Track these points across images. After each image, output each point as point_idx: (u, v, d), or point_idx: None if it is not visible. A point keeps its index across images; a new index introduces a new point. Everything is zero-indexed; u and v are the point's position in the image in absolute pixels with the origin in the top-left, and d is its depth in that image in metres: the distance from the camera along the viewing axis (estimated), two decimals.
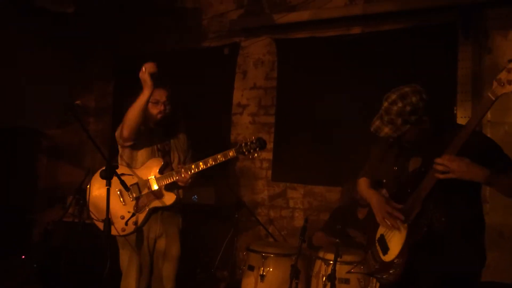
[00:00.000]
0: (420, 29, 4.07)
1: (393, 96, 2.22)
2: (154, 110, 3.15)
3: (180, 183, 3.06)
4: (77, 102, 2.81)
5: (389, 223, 2.31)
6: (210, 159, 2.99)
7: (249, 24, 4.90)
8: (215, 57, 5.12)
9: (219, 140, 5.01)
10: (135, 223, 3.04)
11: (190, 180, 3.05)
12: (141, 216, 3.06)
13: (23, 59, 4.97)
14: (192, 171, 3.01)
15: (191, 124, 4.79)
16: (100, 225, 3.07)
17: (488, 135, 3.72)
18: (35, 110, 5.13)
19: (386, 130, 2.23)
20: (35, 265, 4.32)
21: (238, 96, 5.02)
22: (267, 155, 4.80)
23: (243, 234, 4.78)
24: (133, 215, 3.04)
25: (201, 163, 3.00)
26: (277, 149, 4.74)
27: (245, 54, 5.02)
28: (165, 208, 3.11)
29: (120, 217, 3.02)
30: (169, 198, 3.08)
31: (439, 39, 3.98)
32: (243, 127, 4.98)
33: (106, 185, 2.66)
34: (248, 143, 2.97)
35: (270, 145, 4.78)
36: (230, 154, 2.98)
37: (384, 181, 2.50)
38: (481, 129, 3.78)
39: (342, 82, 4.36)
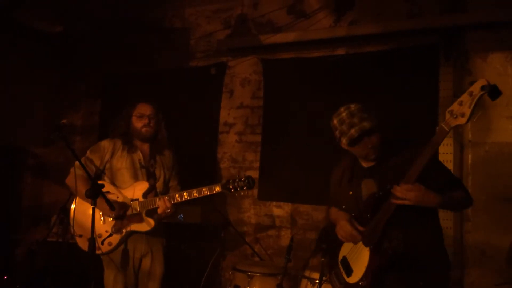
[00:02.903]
0: (403, 51, 4.16)
1: (341, 109, 2.42)
2: (139, 124, 3.18)
3: (159, 211, 3.02)
4: (63, 121, 2.82)
5: (349, 238, 2.43)
6: (195, 191, 2.95)
7: (236, 44, 4.97)
8: (202, 76, 5.16)
9: (205, 159, 5.02)
10: (110, 243, 3.02)
11: (170, 210, 3.00)
12: (117, 238, 3.03)
13: (10, 77, 4.96)
14: (175, 201, 2.98)
15: (178, 143, 4.82)
16: (78, 240, 3.08)
17: (469, 155, 3.84)
18: (20, 128, 5.10)
19: (366, 124, 2.33)
20: (18, 286, 4.25)
21: (225, 115, 5.06)
22: (254, 173, 4.81)
23: (229, 254, 4.76)
24: (110, 235, 3.02)
25: (185, 194, 2.97)
26: (264, 168, 4.76)
27: (232, 74, 5.07)
28: (142, 233, 3.09)
29: (98, 235, 2.99)
30: (147, 225, 3.05)
31: (421, 61, 4.07)
32: (230, 146, 5.00)
33: (92, 205, 2.66)
34: (236, 180, 2.90)
35: (256, 164, 4.82)
36: (216, 189, 2.92)
37: (344, 207, 2.58)
38: (462, 149, 3.87)
39: (327, 102, 4.36)
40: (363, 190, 2.45)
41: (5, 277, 4.30)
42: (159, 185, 3.21)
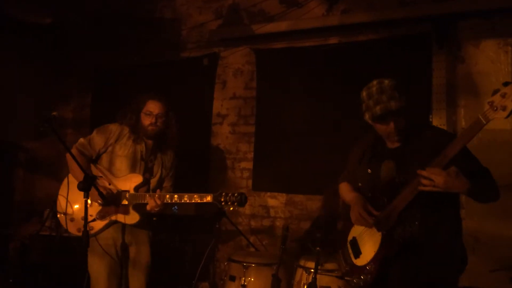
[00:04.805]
0: (396, 39, 4.15)
1: (374, 81, 2.32)
2: (146, 121, 3.13)
3: (148, 207, 2.99)
4: (54, 113, 2.78)
5: (362, 222, 2.36)
6: (186, 196, 2.90)
7: (228, 34, 4.93)
8: (195, 67, 5.12)
9: (199, 150, 5.00)
10: (91, 228, 3.00)
11: (158, 208, 2.96)
12: (100, 224, 3.02)
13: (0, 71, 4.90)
14: (165, 200, 2.95)
15: None
16: (60, 217, 3.11)
17: None
18: (11, 122, 5.04)
19: (393, 104, 2.21)
20: (11, 281, 4.22)
21: (218, 106, 5.03)
22: (248, 164, 4.81)
23: (224, 245, 4.76)
24: (93, 220, 3.01)
25: (176, 196, 2.93)
26: (257, 158, 4.75)
27: (224, 64, 5.03)
28: (127, 225, 3.07)
29: (81, 218, 2.94)
30: (132, 218, 3.02)
31: (414, 49, 4.06)
32: (223, 137, 4.98)
33: (84, 197, 2.63)
34: (229, 195, 2.82)
35: (250, 155, 4.80)
36: (207, 198, 2.86)
37: (360, 184, 2.53)
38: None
39: (321, 91, 4.41)
40: (382, 171, 2.38)
41: None
42: (153, 181, 3.18)
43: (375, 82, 2.32)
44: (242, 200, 2.81)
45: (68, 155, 3.03)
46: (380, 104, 2.23)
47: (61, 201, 3.13)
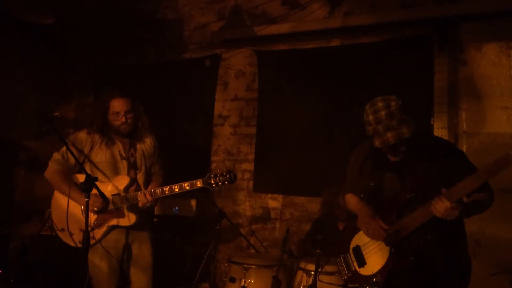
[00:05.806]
0: (398, 41, 4.16)
1: (380, 103, 2.18)
2: (116, 122, 3.07)
3: (140, 204, 2.98)
4: (56, 113, 2.78)
5: (372, 236, 2.37)
6: (176, 187, 2.89)
7: (230, 36, 4.93)
8: (197, 68, 5.12)
9: (200, 152, 5.00)
10: (93, 237, 2.97)
11: (149, 204, 2.96)
12: (100, 232, 3.00)
13: (1, 71, 4.90)
14: (156, 195, 2.93)
15: (173, 135, 4.80)
16: (60, 234, 3.06)
17: (464, 146, 3.84)
18: (12, 122, 5.05)
19: (405, 130, 2.13)
20: (11, 280, 4.22)
21: (219, 107, 5.03)
22: (249, 166, 4.81)
23: (225, 246, 4.76)
24: (92, 229, 2.97)
25: (166, 189, 2.92)
26: (258, 160, 4.75)
27: (226, 66, 5.04)
28: (126, 227, 3.05)
29: (79, 229, 2.93)
30: (130, 219, 3.01)
31: (416, 52, 4.07)
32: (225, 138, 4.98)
33: (86, 198, 2.63)
34: (218, 175, 2.82)
35: (251, 156, 4.80)
36: (197, 184, 2.85)
37: (362, 195, 2.53)
38: (457, 140, 3.88)
39: (322, 93, 4.41)
40: (385, 184, 2.38)
41: None
42: (140, 176, 3.15)
43: (381, 105, 2.17)
44: (231, 178, 2.82)
45: (46, 174, 3.10)
46: (391, 130, 2.13)
47: (55, 219, 3.09)
